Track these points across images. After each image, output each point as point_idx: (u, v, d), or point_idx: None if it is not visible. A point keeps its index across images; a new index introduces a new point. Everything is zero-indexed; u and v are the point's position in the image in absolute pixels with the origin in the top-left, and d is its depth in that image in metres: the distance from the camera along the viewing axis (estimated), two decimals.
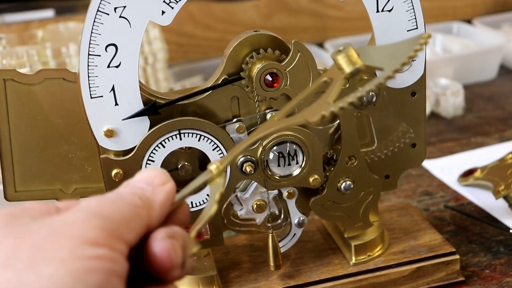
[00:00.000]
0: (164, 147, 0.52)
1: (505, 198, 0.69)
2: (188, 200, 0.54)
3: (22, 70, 0.68)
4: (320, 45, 1.20)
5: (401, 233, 0.62)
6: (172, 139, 0.52)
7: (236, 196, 0.56)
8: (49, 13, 1.22)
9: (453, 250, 0.59)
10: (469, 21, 1.26)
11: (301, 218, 0.57)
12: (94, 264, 0.30)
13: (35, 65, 0.91)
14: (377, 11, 0.53)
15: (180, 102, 0.53)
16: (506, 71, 1.14)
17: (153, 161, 0.52)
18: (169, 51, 1.05)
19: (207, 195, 0.54)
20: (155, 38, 0.98)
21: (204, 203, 0.54)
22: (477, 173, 0.76)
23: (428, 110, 0.97)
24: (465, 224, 0.69)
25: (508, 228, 0.66)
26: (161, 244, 0.33)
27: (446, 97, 0.98)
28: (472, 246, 0.65)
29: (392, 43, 0.45)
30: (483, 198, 0.74)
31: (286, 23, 1.28)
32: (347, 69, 0.42)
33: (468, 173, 0.78)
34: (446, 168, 0.82)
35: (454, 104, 0.98)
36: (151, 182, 0.36)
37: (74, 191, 0.56)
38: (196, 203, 0.54)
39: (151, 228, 0.34)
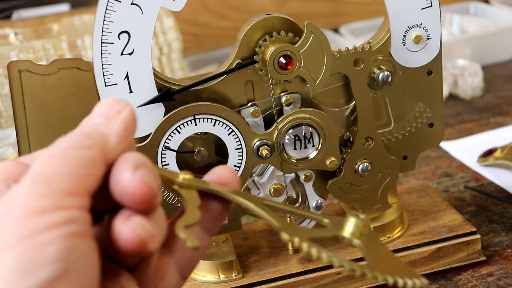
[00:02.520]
0: (179, 132, 0.52)
1: None
2: None
3: None
4: (335, 30, 1.19)
5: (421, 214, 0.62)
6: (187, 124, 0.51)
7: (253, 180, 0.55)
8: (64, 7, 1.23)
9: (474, 229, 0.59)
10: (486, 1, 1.24)
11: (319, 201, 0.57)
12: (45, 236, 0.27)
13: (51, 58, 0.92)
14: None
15: (194, 88, 0.52)
16: None
17: (168, 147, 0.52)
18: (184, 41, 1.05)
19: None
20: (169, 28, 0.98)
21: None
22: (497, 153, 0.75)
23: (446, 91, 0.96)
24: (485, 204, 0.69)
25: None
26: (131, 178, 0.30)
27: (464, 78, 0.97)
28: (493, 226, 0.65)
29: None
30: (503, 178, 0.73)
31: (300, 9, 1.27)
32: (349, 235, 0.34)
33: (488, 153, 0.77)
34: (465, 149, 0.81)
35: (472, 85, 0.97)
36: (105, 114, 0.33)
37: None
38: None
39: (111, 163, 0.32)
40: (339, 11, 1.30)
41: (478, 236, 0.58)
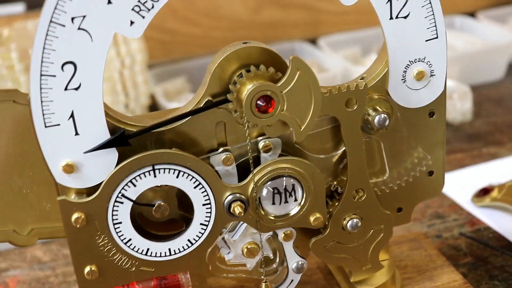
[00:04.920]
0: (135, 186, 0.43)
1: None
2: (166, 247, 0.45)
3: None
4: (313, 41, 1.11)
5: (414, 271, 0.54)
6: (145, 176, 0.43)
7: (223, 238, 0.47)
8: (18, 8, 1.12)
9: None
10: (471, 14, 1.17)
11: (300, 263, 0.48)
12: None
13: None
14: (391, 18, 0.45)
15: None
16: None
17: (121, 202, 0.43)
18: (150, 49, 0.95)
19: (188, 240, 0.45)
20: (133, 38, 0.88)
21: (184, 249, 0.45)
22: (494, 193, 0.68)
23: None
24: (484, 255, 0.61)
25: None
26: None
27: (453, 101, 0.89)
28: (494, 283, 0.57)
29: None
30: (502, 223, 0.65)
31: (275, 18, 1.19)
32: None
33: (484, 192, 0.69)
34: (457, 185, 0.73)
35: (462, 109, 0.89)
36: None
37: (30, 232, 0.48)
38: (174, 250, 0.45)
39: None
40: (318, 20, 1.22)
41: None
